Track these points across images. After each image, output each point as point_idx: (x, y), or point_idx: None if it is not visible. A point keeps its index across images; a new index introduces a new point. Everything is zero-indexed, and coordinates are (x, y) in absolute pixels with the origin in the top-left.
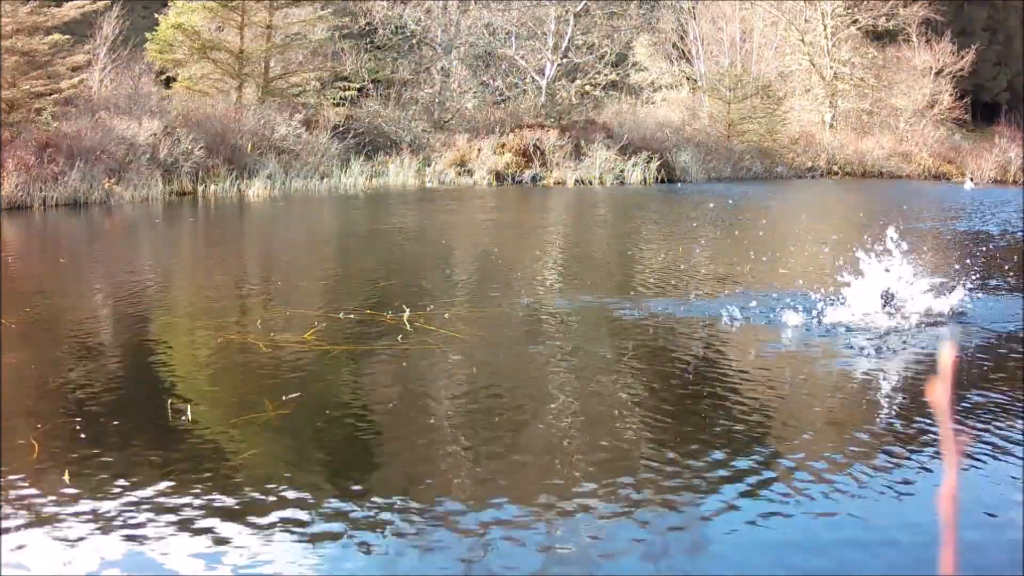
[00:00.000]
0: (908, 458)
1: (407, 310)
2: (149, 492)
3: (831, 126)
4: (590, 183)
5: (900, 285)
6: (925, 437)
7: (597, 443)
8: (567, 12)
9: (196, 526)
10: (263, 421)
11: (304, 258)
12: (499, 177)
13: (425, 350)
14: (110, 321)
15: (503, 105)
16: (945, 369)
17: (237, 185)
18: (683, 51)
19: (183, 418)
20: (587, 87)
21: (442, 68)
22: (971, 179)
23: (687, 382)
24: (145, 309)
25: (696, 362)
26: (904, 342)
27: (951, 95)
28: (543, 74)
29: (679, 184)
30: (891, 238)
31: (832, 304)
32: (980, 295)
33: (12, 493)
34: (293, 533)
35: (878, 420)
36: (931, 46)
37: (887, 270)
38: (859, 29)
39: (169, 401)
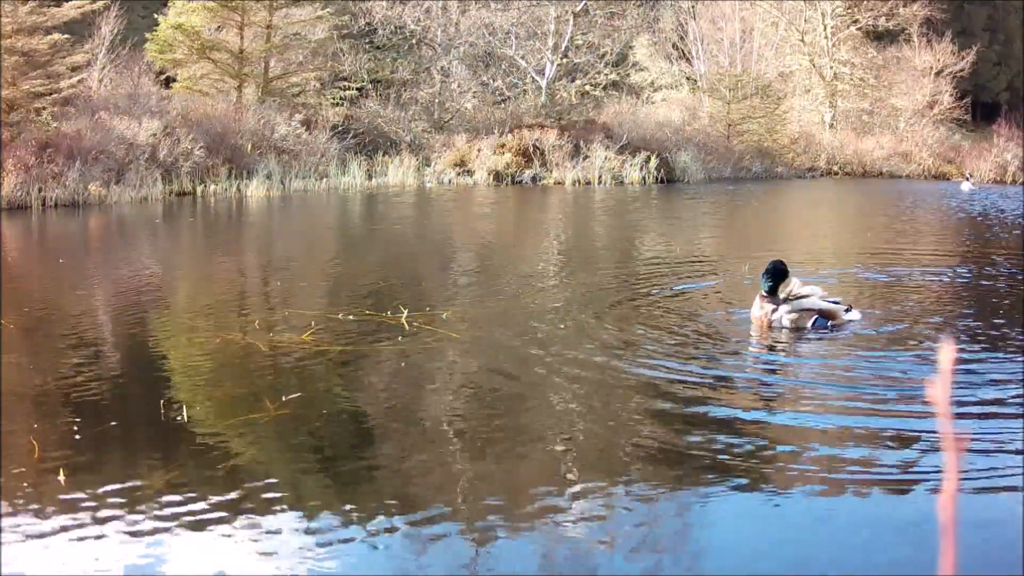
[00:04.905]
0: (908, 458)
1: (405, 310)
2: (149, 492)
3: (831, 126)
4: (589, 183)
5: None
6: (925, 436)
7: (597, 443)
8: (567, 12)
9: (196, 526)
10: (263, 421)
11: (303, 258)
12: (499, 177)
13: (424, 350)
14: (109, 321)
15: (503, 105)
16: (945, 368)
17: (237, 185)
18: (683, 51)
19: (182, 418)
20: (587, 87)
21: (442, 68)
22: (968, 179)
23: (687, 381)
24: (144, 309)
25: (695, 361)
26: (903, 342)
27: (951, 95)
28: (543, 74)
29: (679, 184)
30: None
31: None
32: (978, 297)
33: (12, 493)
34: (293, 533)
35: (877, 420)
36: (931, 46)
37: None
38: (859, 29)
39: (168, 401)
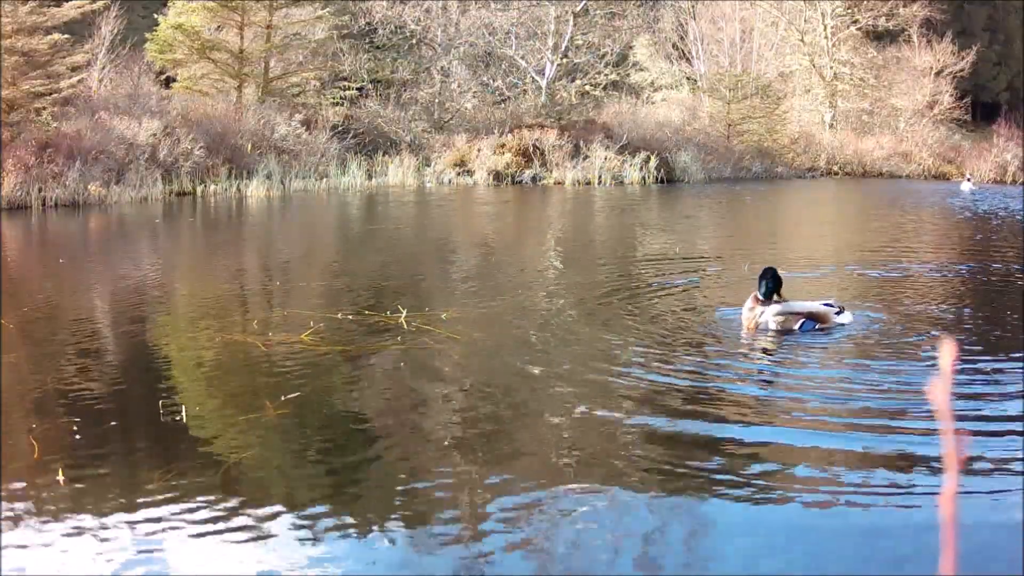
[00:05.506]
0: (908, 458)
1: (404, 311)
2: (148, 492)
3: (831, 126)
4: (589, 183)
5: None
6: (925, 437)
7: (595, 444)
8: (567, 12)
9: (196, 526)
10: (263, 421)
11: (302, 258)
12: (499, 177)
13: (423, 351)
14: (109, 321)
15: (503, 105)
16: (946, 369)
17: (237, 185)
18: (683, 51)
19: (182, 418)
20: (587, 87)
21: (442, 68)
22: (968, 179)
23: (688, 380)
24: (144, 309)
25: (696, 360)
26: (902, 342)
27: (951, 95)
28: (543, 74)
29: (679, 184)
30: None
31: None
32: (979, 297)
33: (12, 493)
34: (292, 533)
35: (878, 420)
36: (931, 46)
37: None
38: (859, 29)
39: (168, 401)
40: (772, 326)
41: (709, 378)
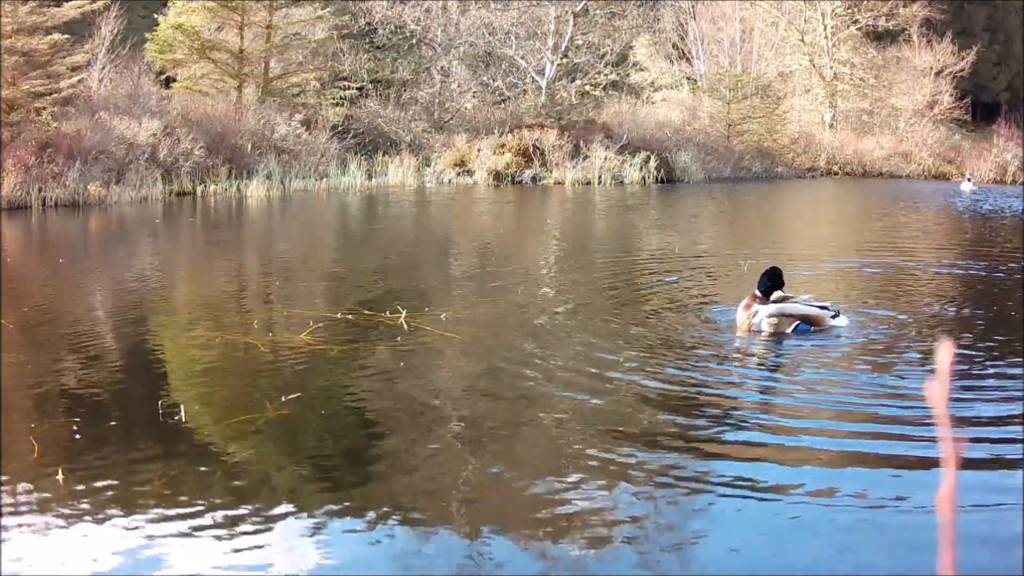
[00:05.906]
0: (907, 458)
1: (403, 311)
2: (148, 492)
3: (831, 126)
4: (589, 183)
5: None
6: (923, 437)
7: (594, 445)
8: (567, 12)
9: (195, 526)
10: (263, 421)
11: (302, 258)
12: (499, 177)
13: (422, 351)
14: (109, 321)
15: (503, 105)
16: (943, 369)
17: (237, 185)
18: (683, 51)
19: (182, 418)
20: (587, 87)
21: (442, 68)
22: (968, 179)
23: (687, 380)
24: (144, 309)
25: (695, 360)
26: (902, 343)
27: (951, 95)
28: (543, 74)
29: (679, 184)
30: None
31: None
32: (979, 297)
33: (12, 493)
34: (292, 533)
35: (876, 420)
36: (931, 46)
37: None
38: (859, 29)
39: (168, 401)
40: (765, 328)
41: (704, 380)
